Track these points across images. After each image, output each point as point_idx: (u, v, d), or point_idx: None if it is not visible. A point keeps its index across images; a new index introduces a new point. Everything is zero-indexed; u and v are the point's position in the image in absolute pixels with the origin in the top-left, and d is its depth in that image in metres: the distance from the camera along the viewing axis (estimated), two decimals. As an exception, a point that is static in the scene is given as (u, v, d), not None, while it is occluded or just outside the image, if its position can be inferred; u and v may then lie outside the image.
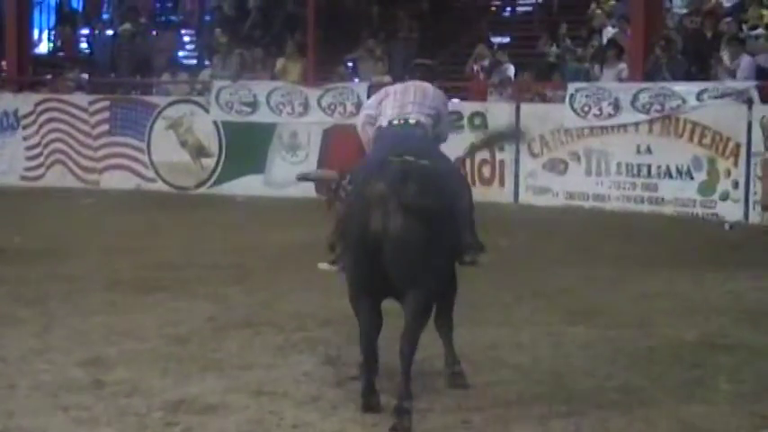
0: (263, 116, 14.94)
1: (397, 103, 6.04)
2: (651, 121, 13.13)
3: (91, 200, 14.07)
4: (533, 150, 13.75)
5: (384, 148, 5.76)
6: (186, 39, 20.55)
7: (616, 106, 13.32)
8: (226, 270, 9.17)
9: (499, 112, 14.05)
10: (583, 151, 13.51)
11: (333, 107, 14.69)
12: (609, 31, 15.65)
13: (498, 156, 13.86)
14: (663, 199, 12.98)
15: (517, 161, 13.83)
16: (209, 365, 6.30)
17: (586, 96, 13.54)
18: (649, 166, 13.10)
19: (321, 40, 16.45)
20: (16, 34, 16.60)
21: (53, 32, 20.78)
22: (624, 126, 13.30)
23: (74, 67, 17.55)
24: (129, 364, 6.27)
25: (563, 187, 13.60)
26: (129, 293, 8.20)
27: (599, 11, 16.52)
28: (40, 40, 20.48)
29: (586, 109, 13.50)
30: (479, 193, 13.72)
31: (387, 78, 16.10)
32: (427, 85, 6.22)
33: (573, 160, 13.57)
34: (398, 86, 6.25)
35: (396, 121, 5.95)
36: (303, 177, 9.08)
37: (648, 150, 13.14)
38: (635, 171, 13.19)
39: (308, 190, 14.14)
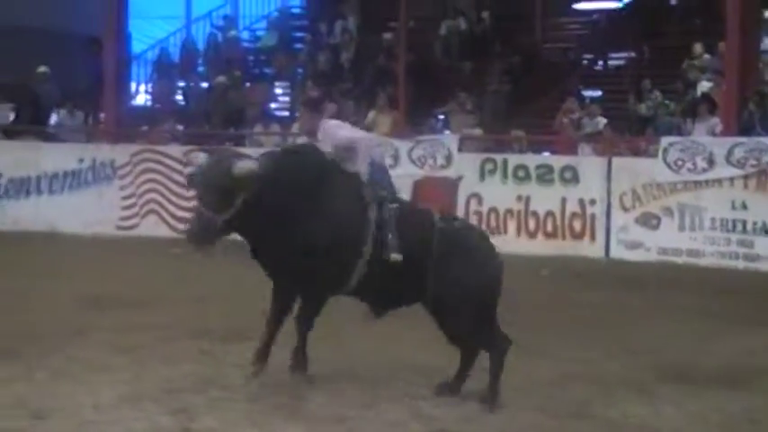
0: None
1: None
2: (746, 177, 12.92)
3: (180, 249, 14.23)
4: (625, 205, 13.62)
5: None
6: (279, 91, 20.84)
7: (710, 161, 13.14)
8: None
9: (590, 166, 13.97)
10: (676, 206, 13.34)
11: (423, 159, 14.71)
12: (703, 86, 15.49)
13: (589, 209, 13.76)
14: (758, 255, 12.72)
15: (609, 215, 13.70)
16: (298, 416, 6.30)
17: (680, 151, 13.38)
18: (744, 222, 12.88)
19: (412, 94, 16.56)
20: (115, 87, 16.99)
21: (150, 85, 21.26)
22: (719, 181, 13.12)
23: (169, 119, 17.87)
24: (218, 413, 6.31)
25: (656, 242, 13.41)
26: (217, 342, 8.26)
27: (693, 64, 16.38)
28: (137, 92, 20.94)
29: (680, 163, 13.34)
30: (570, 247, 13.72)
31: (477, 131, 16.15)
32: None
33: (666, 215, 13.39)
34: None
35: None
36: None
37: (744, 206, 12.92)
38: (730, 227, 12.97)
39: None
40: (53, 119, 17.33)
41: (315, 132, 7.06)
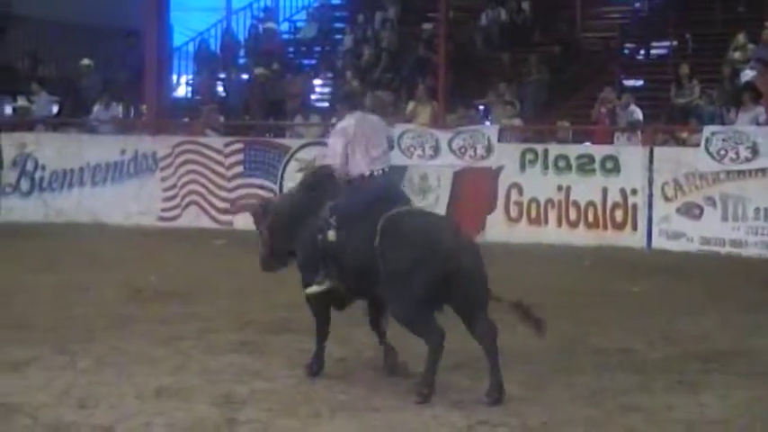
0: (393, 158, 14.91)
1: (364, 149, 6.97)
2: (790, 166, 12.83)
3: (223, 241, 14.31)
4: (667, 194, 13.53)
5: (376, 195, 6.88)
6: (318, 82, 20.87)
7: (754, 150, 13.03)
8: (354, 311, 9.18)
9: (632, 156, 13.89)
10: (719, 196, 13.23)
11: (463, 150, 14.68)
12: (746, 74, 15.35)
13: (631, 199, 13.68)
14: (802, 246, 12.62)
15: (650, 205, 13.63)
16: (338, 407, 6.33)
17: (723, 140, 13.27)
18: (789, 212, 12.79)
19: (452, 84, 16.53)
20: (156, 79, 17.08)
21: (191, 77, 21.38)
22: (762, 170, 13.01)
23: (208, 104, 17.95)
24: (260, 404, 6.35)
25: (698, 232, 13.32)
26: (260, 334, 8.30)
27: (736, 54, 16.22)
28: (178, 84, 21.06)
29: (722, 153, 13.23)
30: (611, 237, 13.65)
31: (517, 121, 16.10)
32: (374, 120, 7.21)
33: (708, 205, 13.30)
34: (354, 129, 7.01)
35: (376, 173, 6.98)
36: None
37: (788, 196, 12.82)
38: (773, 217, 12.88)
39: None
40: (93, 111, 17.46)
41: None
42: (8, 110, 19.12)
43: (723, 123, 14.22)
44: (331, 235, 6.83)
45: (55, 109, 18.34)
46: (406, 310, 6.56)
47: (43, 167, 16.20)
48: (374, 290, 6.75)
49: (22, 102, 17.68)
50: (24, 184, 16.23)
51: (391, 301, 6.67)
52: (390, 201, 6.86)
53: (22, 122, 17.31)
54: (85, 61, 18.16)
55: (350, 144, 6.96)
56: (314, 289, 6.98)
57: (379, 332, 7.23)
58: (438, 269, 6.42)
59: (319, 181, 7.25)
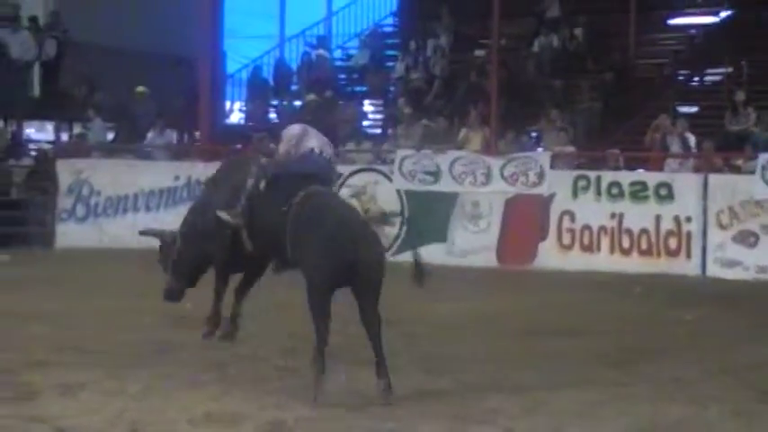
0: (445, 185, 14.97)
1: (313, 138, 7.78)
2: None
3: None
4: (722, 222, 13.37)
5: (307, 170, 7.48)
6: (370, 108, 20.92)
7: (811, 178, 12.88)
8: (396, 339, 9.10)
9: (686, 183, 13.76)
10: (775, 224, 13.08)
11: (515, 177, 14.62)
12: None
13: (685, 227, 13.54)
14: None
15: (705, 233, 13.48)
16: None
17: (779, 167, 13.13)
18: None
19: (503, 111, 16.49)
20: (209, 106, 17.19)
21: (244, 104, 21.53)
22: (820, 198, 12.86)
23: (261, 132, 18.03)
24: (306, 431, 6.31)
25: (754, 260, 13.16)
26: (305, 360, 8.25)
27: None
28: (231, 110, 21.21)
29: (779, 180, 13.09)
30: (665, 265, 13.50)
31: (569, 148, 16.01)
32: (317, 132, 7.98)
33: (764, 233, 13.14)
34: (299, 131, 7.91)
35: (325, 154, 7.73)
36: (144, 233, 9.54)
37: None
38: (830, 245, 12.69)
39: (490, 261, 14.16)
40: (147, 138, 17.62)
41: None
42: (64, 137, 19.36)
43: (780, 150, 14.06)
44: (263, 184, 7.34)
45: (110, 135, 18.52)
46: (310, 289, 6.98)
47: (98, 193, 16.33)
48: (280, 256, 7.21)
49: (78, 130, 17.88)
50: (80, 210, 16.38)
51: (305, 278, 7.02)
52: (315, 179, 7.33)
53: (78, 149, 17.51)
54: (140, 88, 18.33)
55: (304, 136, 7.77)
56: (224, 215, 7.36)
57: (238, 300, 8.02)
58: (340, 256, 6.80)
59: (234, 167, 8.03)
